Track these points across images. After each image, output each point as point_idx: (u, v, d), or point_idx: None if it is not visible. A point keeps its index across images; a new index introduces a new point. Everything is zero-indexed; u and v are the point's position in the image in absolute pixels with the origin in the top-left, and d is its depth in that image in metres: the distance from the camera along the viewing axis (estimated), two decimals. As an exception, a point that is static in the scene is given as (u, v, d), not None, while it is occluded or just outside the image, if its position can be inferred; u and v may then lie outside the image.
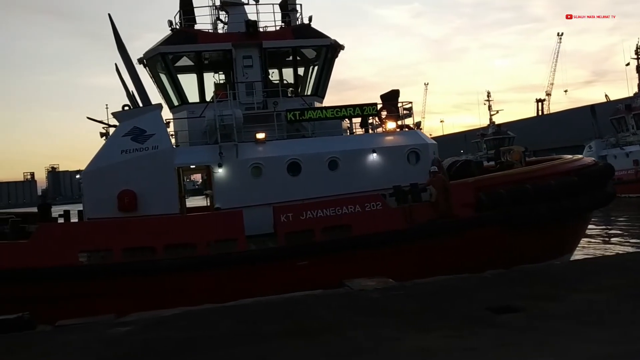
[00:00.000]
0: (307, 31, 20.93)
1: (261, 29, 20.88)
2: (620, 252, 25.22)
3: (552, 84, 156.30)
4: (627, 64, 63.99)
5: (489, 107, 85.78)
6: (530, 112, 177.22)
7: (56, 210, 22.57)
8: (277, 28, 21.42)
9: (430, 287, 12.31)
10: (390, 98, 21.15)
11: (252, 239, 16.62)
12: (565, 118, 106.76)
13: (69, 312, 13.12)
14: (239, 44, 20.12)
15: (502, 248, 17.12)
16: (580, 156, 23.23)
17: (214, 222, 16.72)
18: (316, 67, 21.60)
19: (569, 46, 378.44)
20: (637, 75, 63.11)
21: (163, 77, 20.62)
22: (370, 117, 20.98)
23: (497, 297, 10.70)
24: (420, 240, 16.84)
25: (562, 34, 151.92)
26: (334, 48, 21.19)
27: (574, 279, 11.78)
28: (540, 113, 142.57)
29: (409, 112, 20.79)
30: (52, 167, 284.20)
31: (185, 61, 20.96)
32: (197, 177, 79.07)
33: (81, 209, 22.45)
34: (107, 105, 19.85)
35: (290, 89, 21.24)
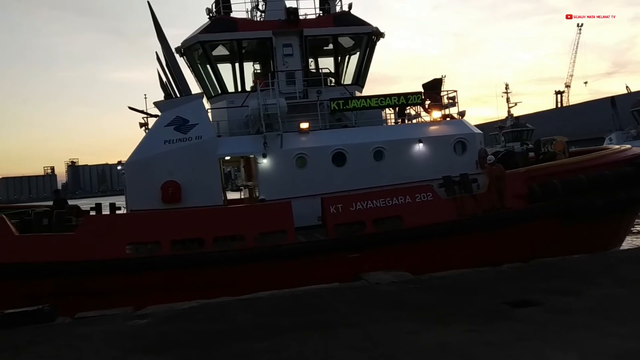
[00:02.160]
0: (348, 18, 20.42)
1: (301, 17, 20.38)
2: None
3: (571, 75, 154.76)
4: (650, 55, 62.85)
5: (507, 100, 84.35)
6: (549, 104, 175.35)
7: (77, 204, 22.42)
8: (316, 16, 20.94)
9: (447, 280, 12.15)
10: (433, 87, 20.62)
11: (298, 231, 16.20)
12: (584, 110, 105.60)
13: (115, 306, 12.79)
14: (279, 31, 19.63)
15: (556, 240, 16.58)
16: (629, 146, 22.64)
17: (263, 213, 16.29)
18: (353, 56, 21.14)
19: (589, 37, 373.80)
20: (659, 65, 61.95)
21: (201, 67, 20.22)
22: (408, 107, 20.51)
23: (515, 291, 10.57)
24: (473, 232, 16.35)
25: (582, 24, 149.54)
26: (375, 35, 20.68)
27: (593, 273, 11.59)
28: (559, 105, 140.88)
29: (453, 101, 20.22)
30: (72, 162, 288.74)
31: (220, 50, 20.50)
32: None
33: (111, 202, 22.26)
34: (145, 95, 19.52)
35: (330, 78, 20.74)
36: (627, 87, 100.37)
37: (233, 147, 18.21)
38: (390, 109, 20.49)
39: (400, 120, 20.87)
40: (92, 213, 20.96)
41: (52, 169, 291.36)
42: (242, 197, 23.63)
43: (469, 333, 8.11)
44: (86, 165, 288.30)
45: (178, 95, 18.57)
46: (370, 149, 18.34)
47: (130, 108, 18.96)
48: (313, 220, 16.95)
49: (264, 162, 17.81)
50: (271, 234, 15.78)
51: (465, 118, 20.50)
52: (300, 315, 10.05)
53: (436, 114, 19.74)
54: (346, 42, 21.17)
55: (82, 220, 16.13)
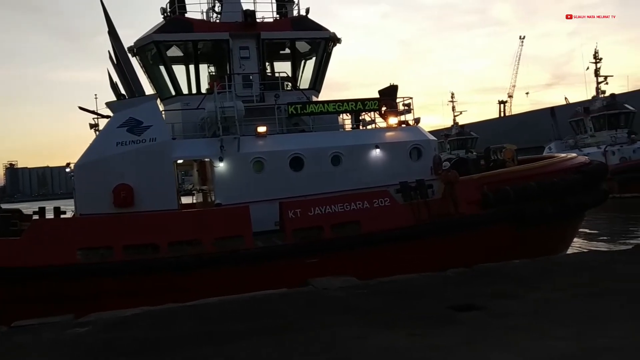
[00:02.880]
0: (306, 23, 20.37)
1: (258, 20, 20.20)
2: (580, 251, 24.93)
3: (514, 86, 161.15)
4: (587, 68, 65.55)
5: (453, 108, 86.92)
6: (493, 113, 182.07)
7: (18, 208, 21.42)
8: (273, 19, 20.81)
9: (393, 285, 12.28)
10: (389, 93, 20.78)
11: (255, 236, 15.98)
12: (526, 119, 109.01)
13: (65, 313, 12.26)
14: (236, 34, 19.37)
15: (507, 245, 17.00)
16: (575, 154, 23.50)
17: (220, 218, 15.98)
18: (309, 61, 21.09)
19: (530, 49, 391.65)
20: (595, 79, 64.61)
21: (155, 67, 19.72)
22: (364, 113, 20.61)
23: (459, 295, 10.77)
24: (430, 237, 16.56)
25: (524, 37, 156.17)
26: (332, 41, 20.71)
27: (534, 278, 11.91)
28: (502, 114, 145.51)
29: (409, 108, 20.46)
30: (11, 164, 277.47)
31: (174, 51, 20.04)
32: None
33: (55, 206, 21.40)
34: (96, 95, 18.91)
35: (287, 82, 20.63)
36: (565, 98, 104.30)
37: (189, 150, 17.78)
38: (347, 114, 20.56)
39: (356, 126, 20.97)
40: (35, 217, 20.10)
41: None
42: (195, 201, 23.17)
43: (414, 337, 8.25)
44: (26, 167, 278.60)
45: (128, 96, 18.03)
46: (328, 153, 18.30)
47: (81, 108, 18.28)
48: (270, 225, 16.76)
49: (221, 166, 17.48)
50: (228, 239, 15.51)
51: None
52: (251, 320, 9.96)
53: (392, 120, 19.90)
54: (302, 46, 21.10)
55: (29, 224, 15.41)
